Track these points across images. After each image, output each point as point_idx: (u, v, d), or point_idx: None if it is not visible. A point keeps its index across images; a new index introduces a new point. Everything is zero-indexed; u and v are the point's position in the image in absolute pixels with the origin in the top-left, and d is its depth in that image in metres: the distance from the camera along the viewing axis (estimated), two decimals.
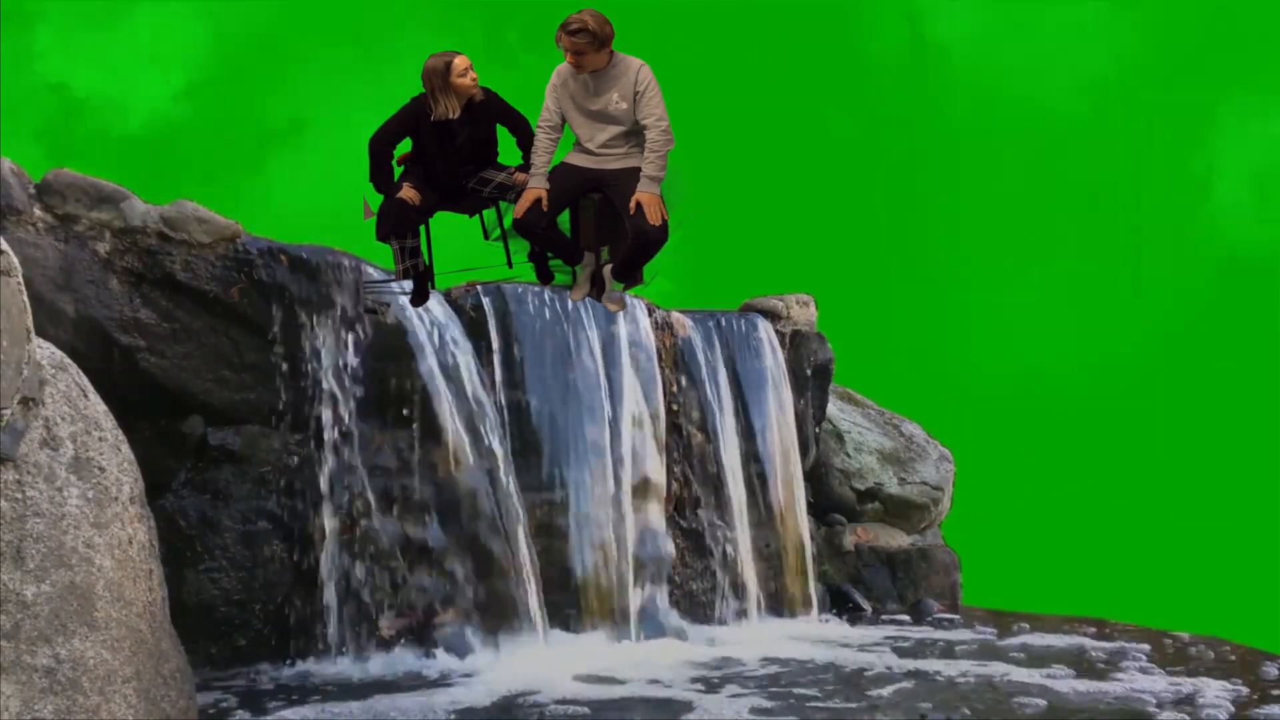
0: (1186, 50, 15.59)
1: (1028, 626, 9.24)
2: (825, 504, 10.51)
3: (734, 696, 6.80)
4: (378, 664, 7.54)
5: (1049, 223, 15.93)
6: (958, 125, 16.13)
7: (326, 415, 7.68)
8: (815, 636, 8.90)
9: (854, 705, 6.59)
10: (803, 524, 9.88)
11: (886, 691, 6.86)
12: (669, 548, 8.88)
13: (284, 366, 7.60)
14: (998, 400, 15.31)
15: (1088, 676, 7.29)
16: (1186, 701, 6.56)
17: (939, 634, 9.08)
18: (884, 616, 9.93)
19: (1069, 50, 16.00)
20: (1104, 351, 15.63)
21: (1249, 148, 15.58)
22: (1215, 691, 6.75)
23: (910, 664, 7.74)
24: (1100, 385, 15.54)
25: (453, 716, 6.31)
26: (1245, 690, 6.82)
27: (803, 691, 6.87)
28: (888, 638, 8.90)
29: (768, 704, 6.62)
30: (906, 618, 9.89)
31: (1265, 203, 15.68)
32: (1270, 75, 15.64)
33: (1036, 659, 7.92)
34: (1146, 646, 8.32)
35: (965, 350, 15.51)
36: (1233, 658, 8.00)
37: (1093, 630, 9.15)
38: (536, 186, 5.75)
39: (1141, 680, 7.13)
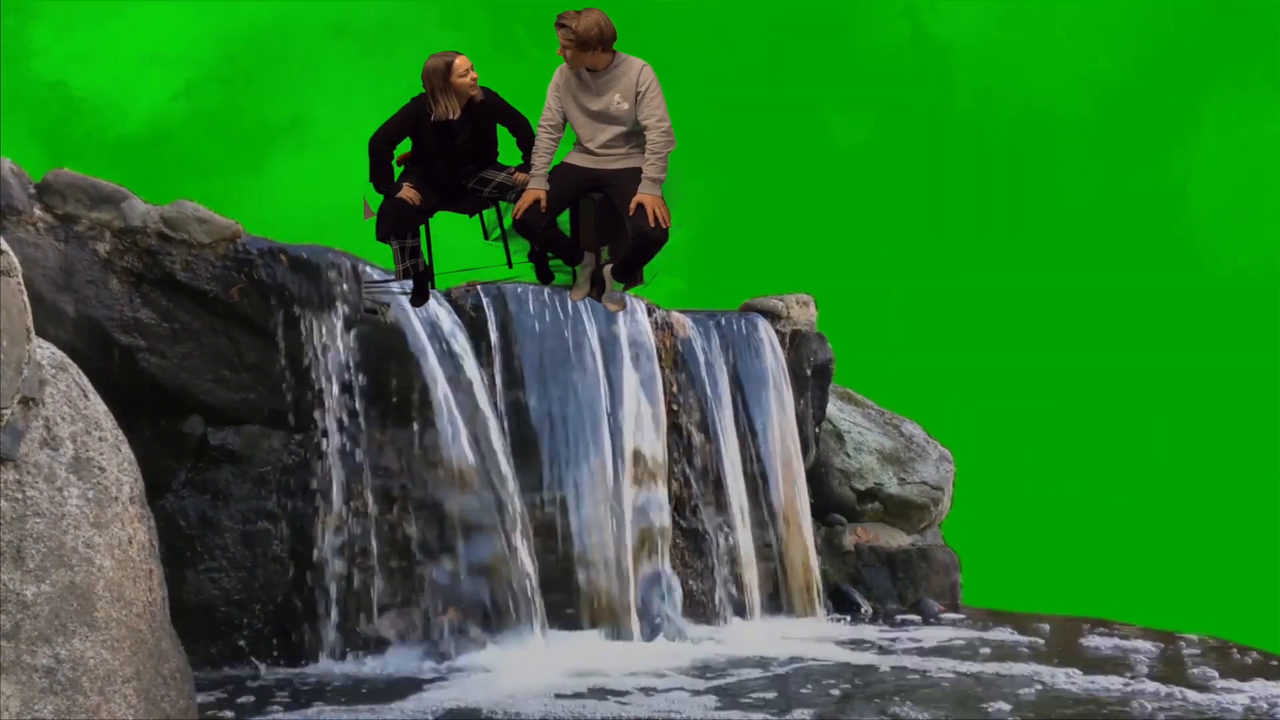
0: (1183, 48, 15.58)
1: (1048, 628, 9.15)
2: (825, 504, 10.50)
3: (741, 695, 6.80)
4: (377, 664, 7.54)
5: (1050, 222, 15.93)
6: (958, 124, 16.13)
7: (326, 415, 7.68)
8: (842, 637, 8.87)
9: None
10: (803, 524, 9.88)
11: (1005, 705, 6.58)
12: (668, 547, 8.88)
13: (284, 366, 7.60)
14: (998, 400, 15.31)
15: (1175, 682, 7.13)
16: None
17: (968, 635, 8.98)
18: (899, 617, 9.88)
19: (1070, 50, 15.99)
20: (1104, 351, 15.63)
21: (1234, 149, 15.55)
22: None
23: (997, 669, 7.54)
24: (1100, 384, 15.54)
25: (452, 716, 6.31)
26: None
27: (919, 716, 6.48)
28: (933, 641, 8.76)
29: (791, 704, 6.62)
30: (916, 618, 9.84)
31: (1250, 203, 15.67)
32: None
33: (1103, 663, 7.77)
34: (1199, 650, 8.25)
35: (965, 350, 15.50)
36: (1275, 663, 7.91)
37: (1105, 630, 9.11)
38: (536, 187, 5.74)
39: (1247, 686, 7.00)
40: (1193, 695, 6.79)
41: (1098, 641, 8.61)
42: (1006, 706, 6.48)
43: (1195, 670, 7.54)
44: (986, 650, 8.27)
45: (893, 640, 8.77)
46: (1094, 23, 15.78)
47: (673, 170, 5.64)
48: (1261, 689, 6.92)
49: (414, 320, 7.93)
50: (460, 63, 5.79)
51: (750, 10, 15.91)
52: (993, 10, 15.99)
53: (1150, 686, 7.00)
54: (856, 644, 8.58)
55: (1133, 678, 7.22)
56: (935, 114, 16.13)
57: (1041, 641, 8.65)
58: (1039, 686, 7.02)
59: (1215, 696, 6.79)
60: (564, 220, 6.02)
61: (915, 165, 16.02)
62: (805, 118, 15.86)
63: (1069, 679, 7.20)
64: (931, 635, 9.00)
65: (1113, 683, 7.12)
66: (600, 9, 5.57)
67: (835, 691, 6.92)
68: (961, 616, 9.87)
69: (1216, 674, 7.31)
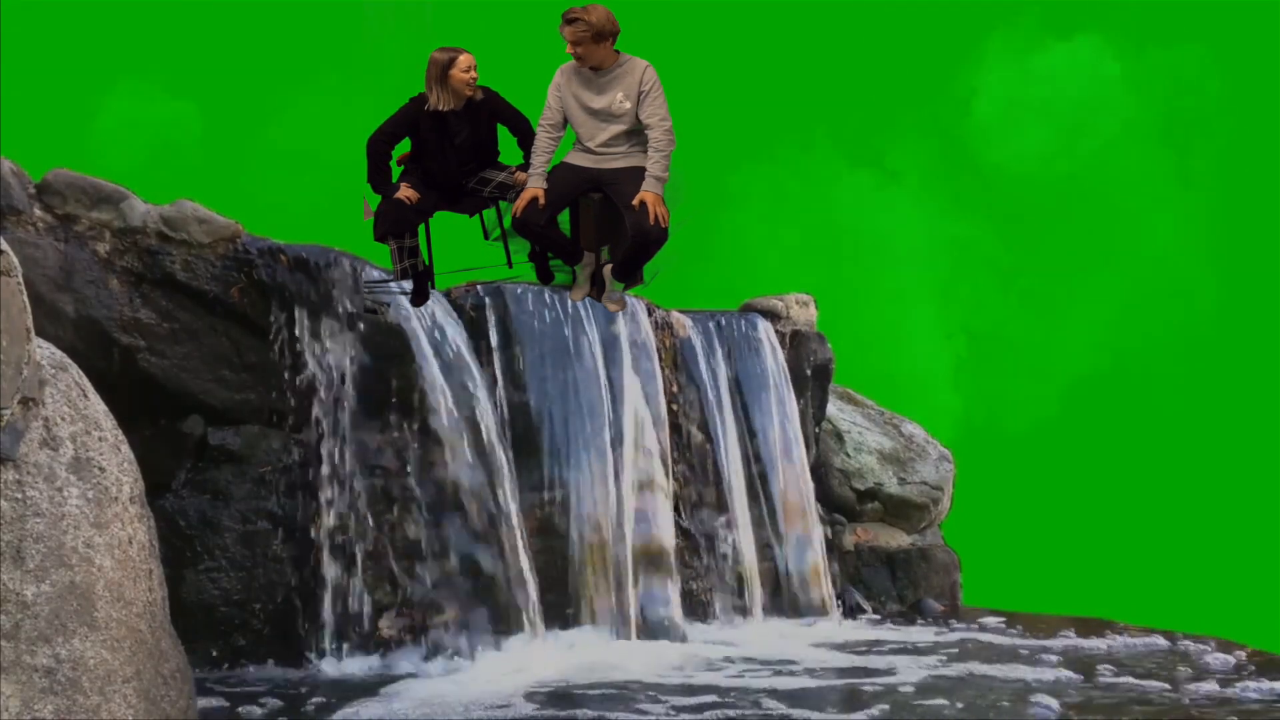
0: None
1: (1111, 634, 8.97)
2: (825, 504, 10.50)
3: (740, 696, 6.80)
4: (377, 664, 7.54)
5: (1050, 219, 15.91)
6: (958, 122, 16.12)
7: (326, 415, 7.68)
8: (842, 637, 8.84)
9: None
10: (800, 523, 9.87)
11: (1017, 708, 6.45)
12: (669, 547, 8.87)
13: (284, 366, 7.60)
14: (998, 400, 15.30)
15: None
16: None
17: (973, 636, 8.96)
18: (917, 619, 9.86)
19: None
20: (1104, 350, 15.62)
21: None
22: None
23: (1004, 670, 7.47)
24: (1100, 384, 15.53)
25: (451, 716, 6.30)
26: None
27: None
28: (929, 641, 8.69)
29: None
30: (937, 621, 9.77)
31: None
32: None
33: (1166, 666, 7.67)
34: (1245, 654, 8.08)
35: (965, 350, 15.50)
36: None
37: (1112, 630, 9.09)
38: (535, 185, 5.76)
39: None
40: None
41: (1128, 642, 8.57)
42: (1018, 709, 6.48)
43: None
44: (993, 651, 8.27)
45: (892, 641, 8.76)
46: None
47: (673, 170, 5.66)
48: None
49: (414, 320, 7.93)
50: (464, 59, 5.83)
51: (750, 9, 15.91)
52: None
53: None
54: (856, 644, 8.57)
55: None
56: (935, 113, 16.13)
57: (1055, 642, 8.63)
58: (1061, 687, 6.99)
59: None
60: (564, 220, 6.03)
61: (915, 164, 16.02)
62: (805, 117, 15.86)
63: (1074, 680, 7.21)
64: (929, 635, 9.00)
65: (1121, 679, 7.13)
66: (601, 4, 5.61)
67: (834, 692, 6.92)
68: (1001, 620, 9.73)
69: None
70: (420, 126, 5.93)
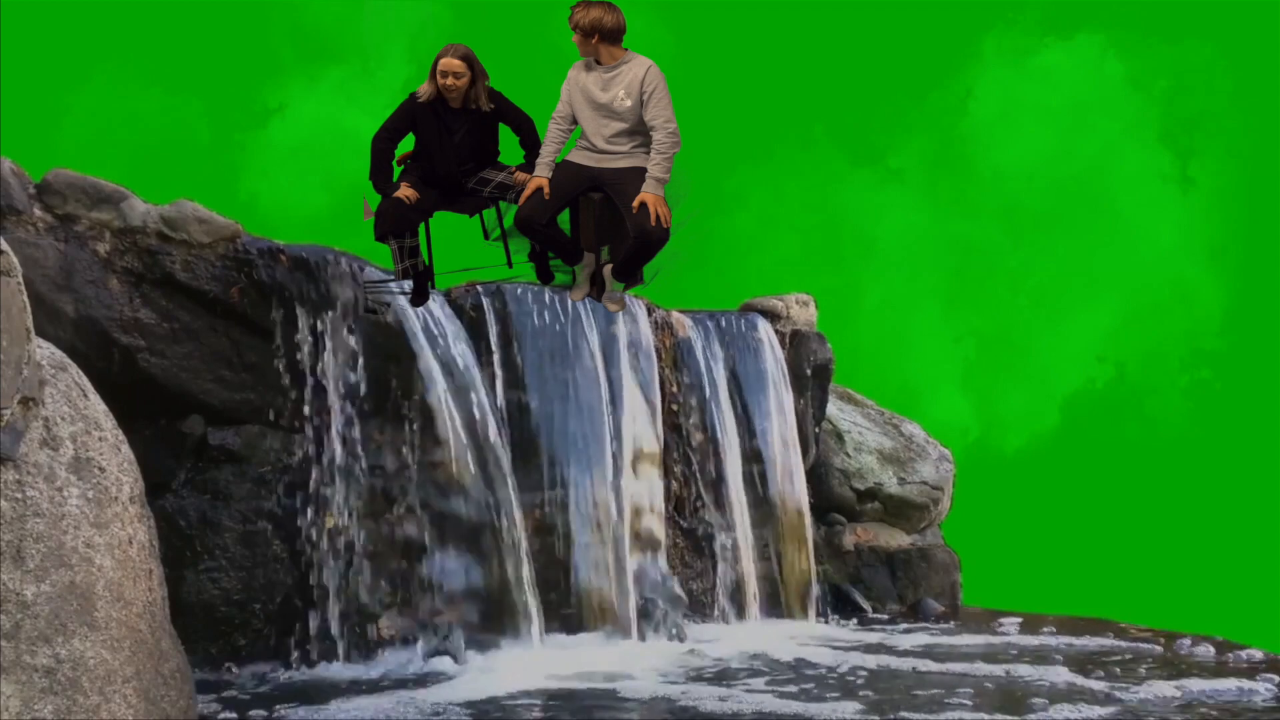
0: None
1: (1111, 635, 8.90)
2: (825, 504, 10.50)
3: (739, 696, 6.80)
4: (377, 664, 7.54)
5: (1050, 219, 15.91)
6: (958, 121, 16.11)
7: (326, 415, 7.68)
8: (841, 638, 8.82)
9: None
10: (802, 524, 9.88)
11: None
12: (667, 547, 8.88)
13: (284, 366, 7.60)
14: (998, 400, 15.30)
15: None
16: None
17: (974, 637, 8.95)
18: (927, 619, 9.86)
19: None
20: (1103, 349, 15.62)
21: None
22: None
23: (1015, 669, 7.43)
24: (1099, 383, 15.53)
25: (450, 716, 6.31)
26: None
27: None
28: (927, 641, 8.65)
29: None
30: (948, 623, 9.75)
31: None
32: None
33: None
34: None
35: (964, 350, 15.50)
36: None
37: (1114, 631, 9.07)
38: (541, 175, 5.79)
39: None
40: None
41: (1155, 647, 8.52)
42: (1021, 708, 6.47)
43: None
44: (997, 652, 8.27)
45: (892, 641, 8.76)
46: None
47: (675, 170, 5.68)
48: None
49: (414, 320, 7.93)
50: (445, 64, 5.82)
51: (750, 9, 15.91)
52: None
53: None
54: (856, 645, 8.57)
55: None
56: (935, 112, 16.13)
57: (1063, 643, 8.60)
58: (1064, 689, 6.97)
59: None
60: (564, 220, 6.04)
61: (915, 163, 16.01)
62: (805, 116, 15.86)
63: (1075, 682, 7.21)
64: (926, 636, 9.00)
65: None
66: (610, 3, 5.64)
67: (834, 692, 6.92)
68: (1020, 620, 9.65)
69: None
70: (420, 121, 5.95)
